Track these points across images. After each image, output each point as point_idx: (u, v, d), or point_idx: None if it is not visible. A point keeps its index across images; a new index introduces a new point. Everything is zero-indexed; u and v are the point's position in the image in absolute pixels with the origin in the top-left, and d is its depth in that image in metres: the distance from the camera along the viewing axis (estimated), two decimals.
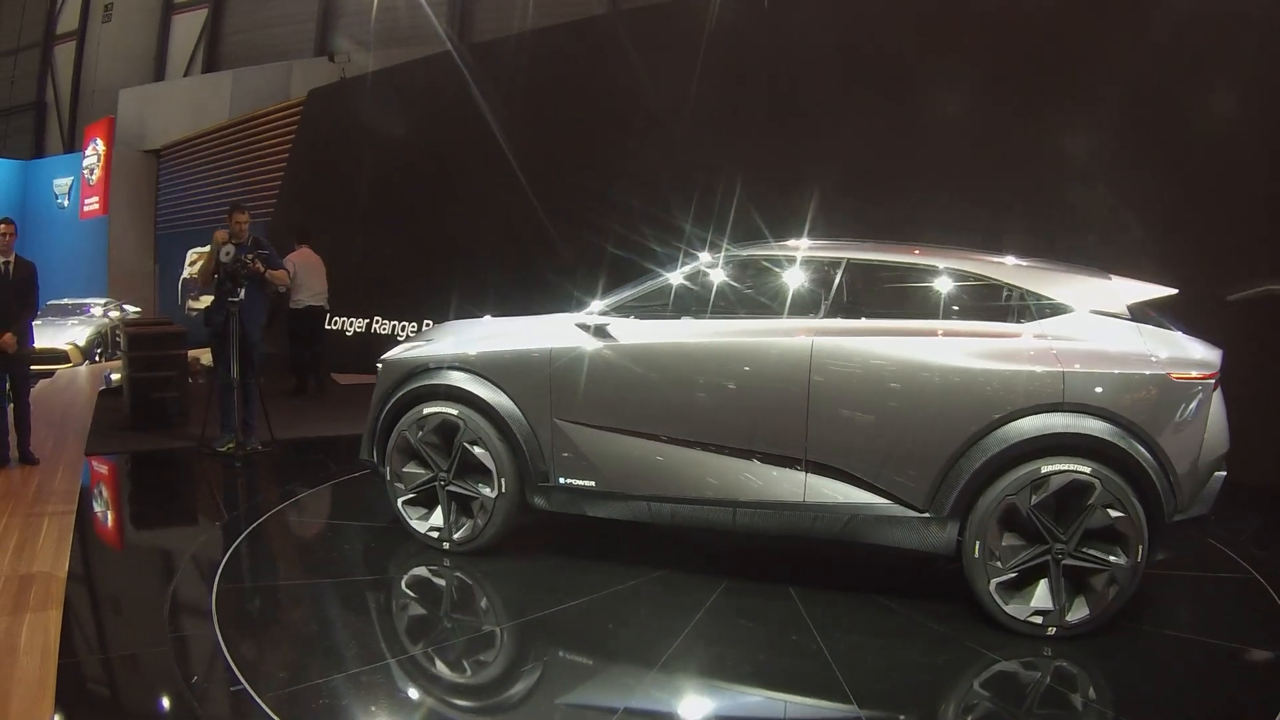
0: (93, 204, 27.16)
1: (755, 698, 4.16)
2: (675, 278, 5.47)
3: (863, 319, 5.01)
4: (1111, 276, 5.04)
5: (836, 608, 4.93)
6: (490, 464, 5.48)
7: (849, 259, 5.21)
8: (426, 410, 5.64)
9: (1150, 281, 5.02)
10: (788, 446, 4.98)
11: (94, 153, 27.13)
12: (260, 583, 5.46)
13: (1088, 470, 4.50)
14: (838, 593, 5.13)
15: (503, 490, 5.48)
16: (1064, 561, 4.55)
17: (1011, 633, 4.59)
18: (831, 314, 5.05)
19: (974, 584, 4.67)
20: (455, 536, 5.62)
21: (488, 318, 6.28)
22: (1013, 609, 4.60)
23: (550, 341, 5.46)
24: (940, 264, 5.08)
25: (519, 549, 5.76)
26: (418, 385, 5.71)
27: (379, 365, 6.05)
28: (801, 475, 4.96)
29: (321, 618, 4.89)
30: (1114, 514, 4.49)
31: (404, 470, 5.74)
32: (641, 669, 4.27)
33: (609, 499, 5.36)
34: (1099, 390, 4.57)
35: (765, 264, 5.41)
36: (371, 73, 17.49)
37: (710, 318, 5.29)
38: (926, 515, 4.77)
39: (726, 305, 5.36)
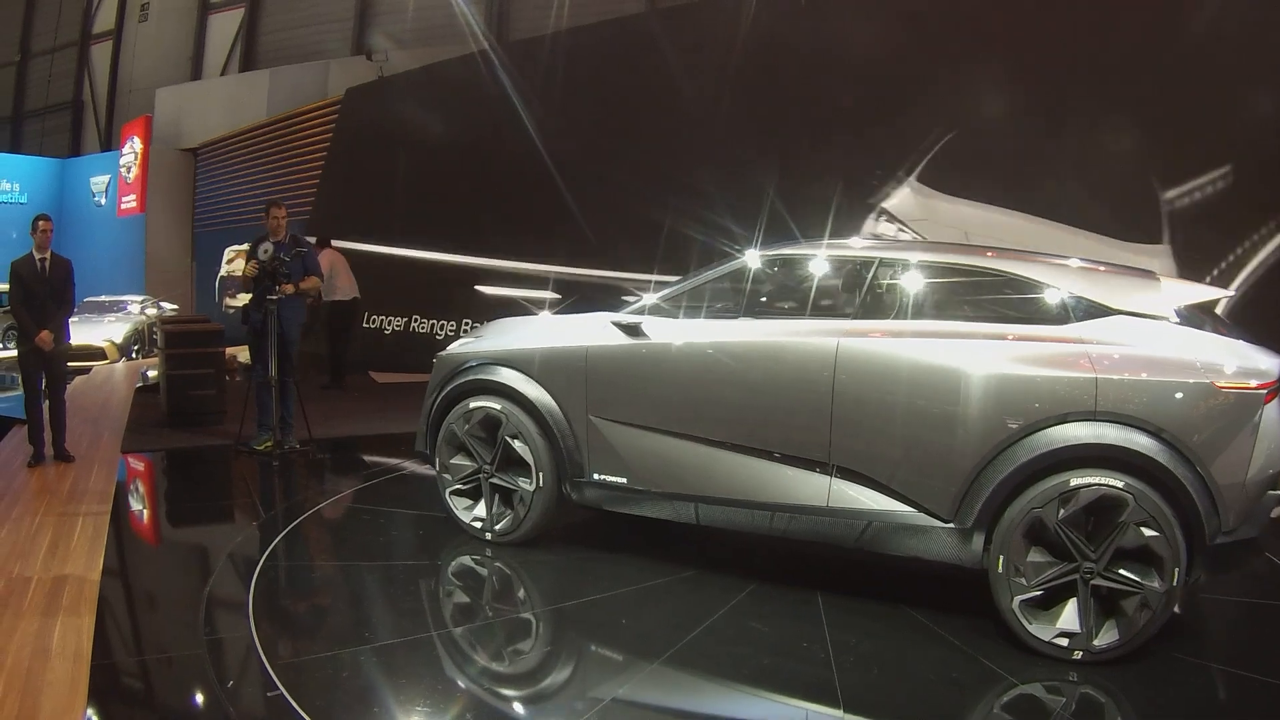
0: (130, 202, 27.28)
1: (740, 698, 4.09)
2: (708, 277, 5.45)
3: (890, 320, 4.85)
4: (1159, 277, 4.80)
5: (859, 616, 4.78)
6: (529, 458, 5.58)
7: (881, 258, 5.08)
8: (472, 404, 5.79)
9: (1208, 283, 4.75)
10: (811, 449, 4.86)
11: (131, 151, 27.24)
12: (298, 584, 5.37)
13: (1120, 485, 4.19)
14: (866, 601, 4.97)
15: (540, 484, 5.58)
16: (1093, 581, 4.23)
17: (1036, 654, 4.28)
18: (860, 315, 4.91)
19: (998, 601, 4.41)
20: (497, 528, 5.74)
21: (545, 314, 6.43)
22: (1037, 629, 4.30)
23: (587, 339, 5.53)
24: (973, 263, 4.91)
25: (565, 541, 5.92)
26: (465, 380, 5.87)
27: (434, 361, 6.19)
28: (825, 479, 4.83)
29: (361, 621, 4.78)
30: (1148, 533, 4.15)
31: (451, 462, 5.89)
32: (642, 662, 4.30)
33: (640, 496, 5.38)
34: (1135, 398, 4.24)
35: (796, 264, 5.41)
36: (409, 71, 17.44)
37: (741, 318, 5.26)
38: (951, 525, 4.54)
39: (757, 305, 5.34)
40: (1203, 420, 4.20)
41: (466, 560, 5.65)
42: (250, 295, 8.36)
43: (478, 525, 5.81)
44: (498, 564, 5.57)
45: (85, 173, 30.12)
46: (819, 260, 5.26)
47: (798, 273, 5.38)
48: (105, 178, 28.87)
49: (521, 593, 5.33)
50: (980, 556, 4.48)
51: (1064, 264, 4.84)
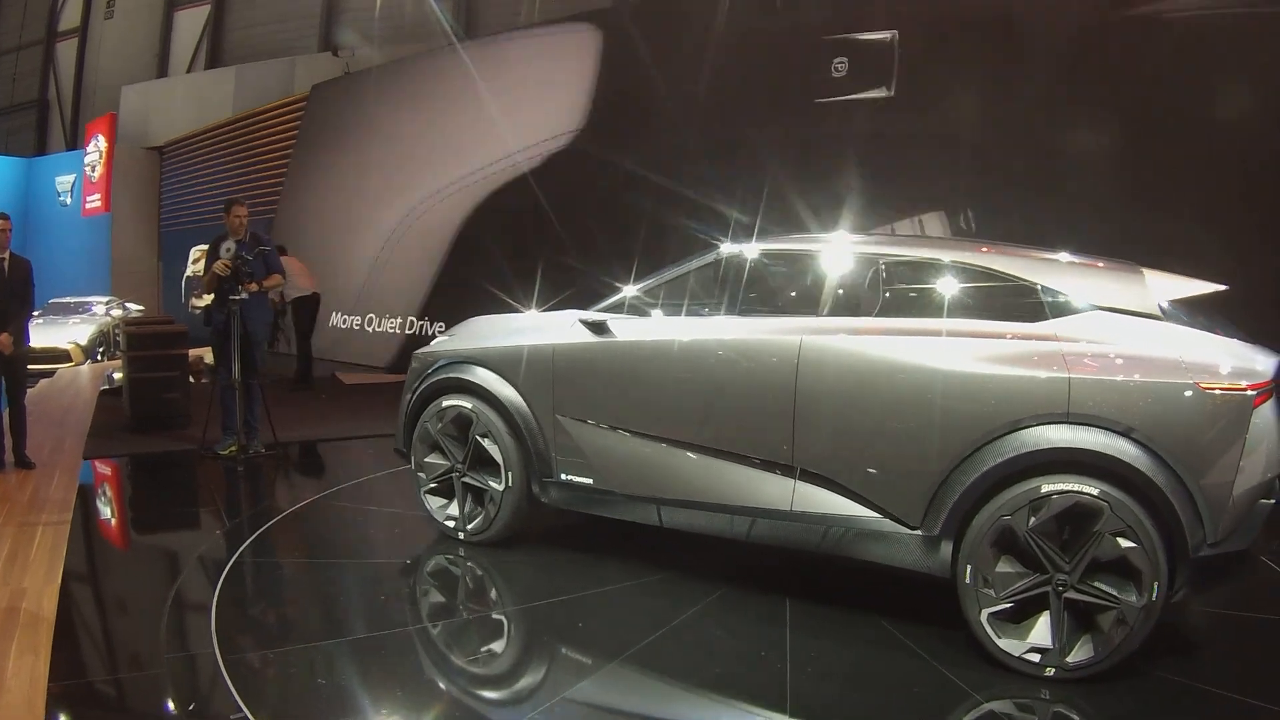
0: (95, 201, 26.91)
1: (686, 704, 4.00)
2: (678, 273, 5.34)
3: (855, 317, 4.66)
4: (1144, 271, 4.48)
5: (826, 624, 4.65)
6: (498, 457, 5.54)
7: (849, 252, 4.91)
8: (445, 403, 5.77)
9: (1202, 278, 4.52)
10: (774, 451, 4.71)
11: (95, 150, 26.88)
12: (264, 597, 5.22)
13: (1094, 492, 3.94)
14: (836, 609, 4.81)
15: (509, 484, 5.53)
16: (1066, 594, 3.98)
17: (1007, 670, 4.04)
18: (826, 312, 4.75)
19: (966, 613, 4.18)
20: (469, 527, 5.70)
21: (531, 312, 6.35)
22: (1006, 644, 4.06)
23: (554, 337, 5.47)
24: (943, 256, 4.71)
25: (543, 541, 5.89)
26: (439, 378, 5.85)
27: (412, 359, 6.18)
28: (790, 482, 4.68)
29: (328, 636, 4.61)
30: (1125, 544, 3.90)
31: (426, 460, 5.87)
32: (595, 664, 4.29)
33: (606, 498, 5.30)
34: (1111, 400, 3.99)
35: (765, 259, 5.25)
36: (375, 66, 17.26)
37: (707, 315, 5.16)
38: (918, 532, 4.34)
39: (724, 302, 5.19)
40: (1185, 423, 3.95)
41: (438, 560, 5.63)
42: (212, 296, 8.17)
43: (451, 524, 5.78)
44: (469, 564, 5.54)
45: (50, 172, 29.70)
46: (786, 255, 5.21)
47: (766, 268, 5.27)
48: (70, 177, 28.47)
49: (493, 593, 5.30)
50: (949, 566, 4.28)
51: (1039, 257, 4.63)
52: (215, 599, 4.86)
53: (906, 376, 4.38)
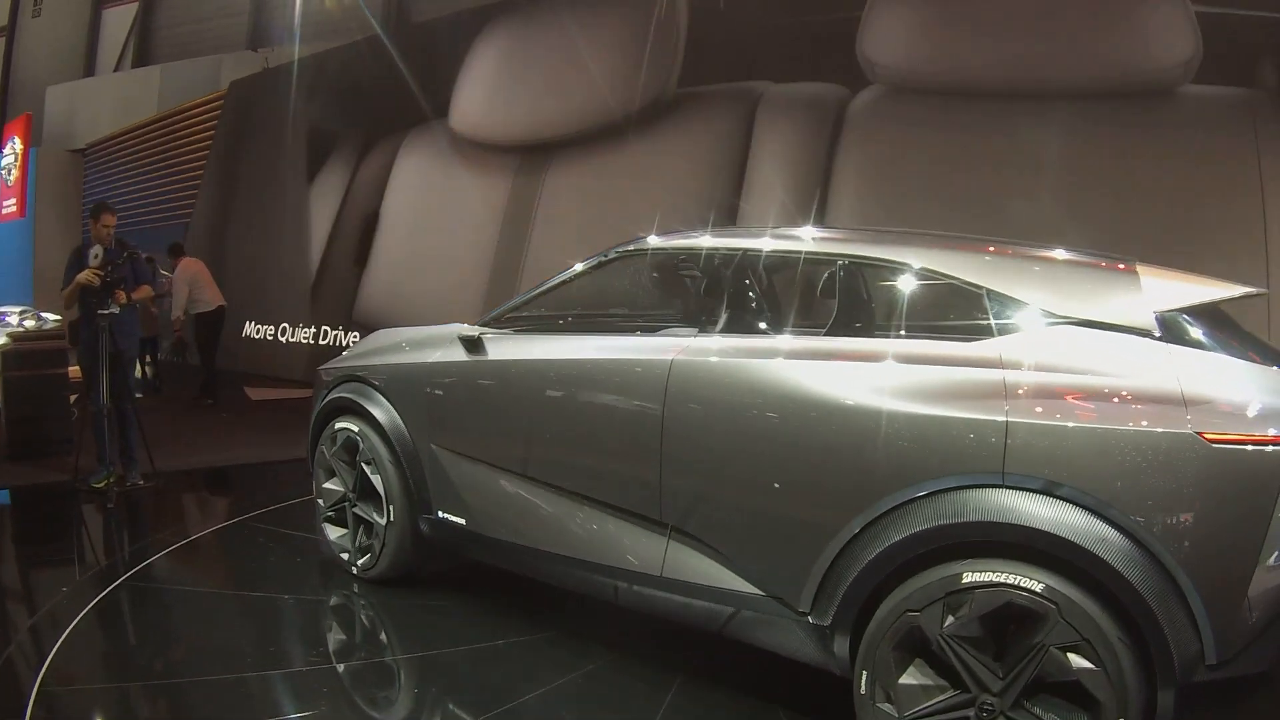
0: (10, 206, 25.62)
1: None
2: (561, 280, 4.53)
3: (737, 335, 3.71)
4: (1141, 268, 3.19)
5: (712, 712, 3.78)
6: (381, 488, 4.95)
7: (744, 249, 3.93)
8: (337, 425, 5.25)
9: (1208, 276, 3.27)
10: (642, 502, 3.80)
11: (11, 152, 25.63)
12: (96, 685, 4.24)
13: (1036, 588, 2.80)
14: (731, 694, 3.90)
15: (391, 518, 4.92)
16: None
17: None
18: (706, 325, 3.82)
19: None
20: (359, 562, 5.15)
21: (431, 326, 5.39)
22: None
23: (433, 355, 4.84)
24: (862, 253, 3.61)
25: (453, 582, 5.28)
26: (334, 398, 5.33)
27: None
28: (662, 541, 3.74)
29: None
30: (1078, 663, 2.76)
31: (324, 486, 5.38)
32: None
33: (481, 542, 4.60)
34: (1065, 454, 2.82)
35: (652, 261, 4.47)
36: (298, 60, 16.38)
37: (579, 333, 4.43)
38: (809, 619, 3.31)
39: (606, 315, 4.54)
40: (1178, 491, 2.72)
41: (318, 598, 5.14)
42: (78, 310, 7.28)
43: (345, 557, 5.24)
44: (350, 605, 5.01)
45: None
46: (672, 255, 4.40)
47: (651, 273, 4.58)
48: None
49: (333, 638, 4.68)
50: (850, 666, 3.26)
51: (990, 251, 3.49)
52: (34, 690, 3.93)
53: (787, 413, 3.37)
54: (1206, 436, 2.70)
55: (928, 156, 8.92)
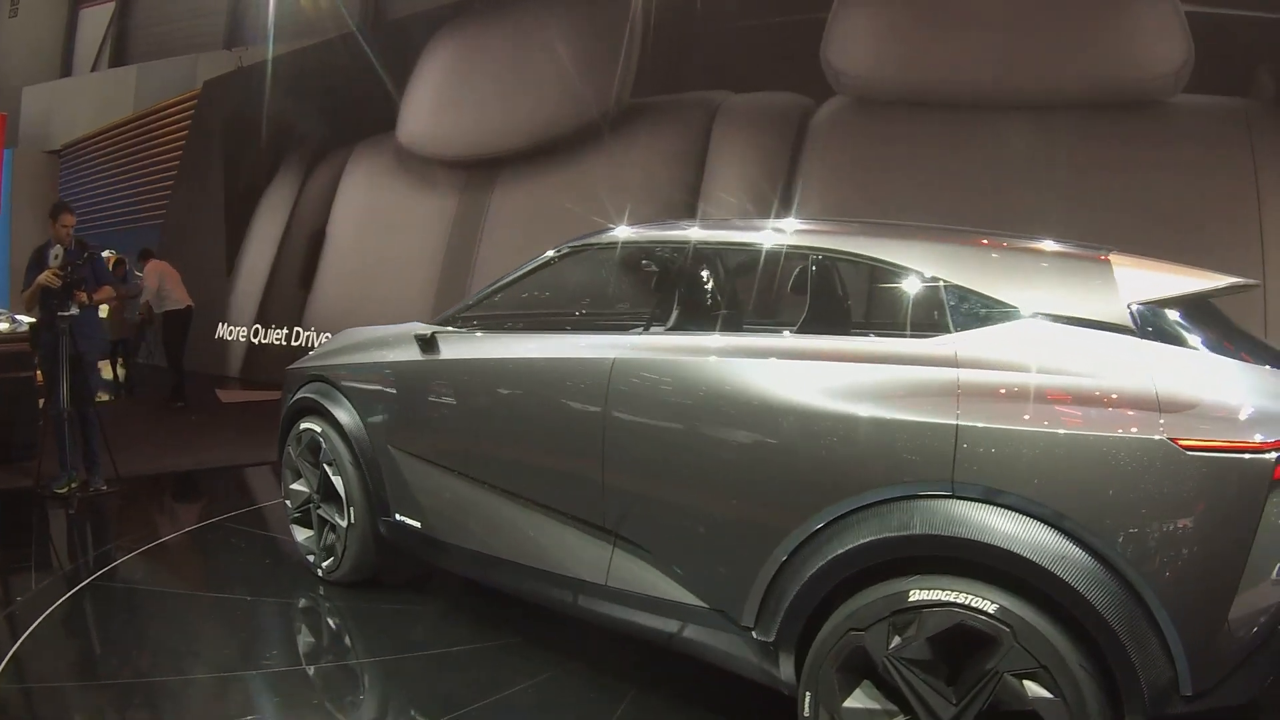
0: None
1: None
2: (518, 275, 4.44)
3: (680, 333, 3.60)
4: (1115, 258, 2.93)
5: None
6: (341, 490, 4.91)
7: (695, 242, 3.82)
8: (302, 425, 5.23)
9: (1193, 265, 2.98)
10: (586, 506, 3.70)
11: None
12: (55, 683, 4.13)
13: (989, 610, 2.58)
14: (684, 707, 3.78)
15: (352, 520, 4.88)
16: None
17: None
18: (652, 322, 3.77)
19: None
20: (324, 565, 5.12)
21: (395, 325, 5.29)
22: None
23: (389, 355, 4.80)
24: (810, 244, 3.46)
25: (421, 585, 5.27)
26: (299, 397, 5.31)
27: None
28: (607, 548, 3.63)
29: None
30: (1034, 692, 2.53)
31: (291, 487, 5.36)
32: None
33: (436, 546, 4.52)
34: (1022, 462, 2.61)
35: (605, 257, 4.37)
36: (271, 59, 16.26)
37: (532, 331, 4.45)
38: (754, 636, 3.14)
39: (557, 312, 4.50)
40: (1148, 503, 2.49)
41: (282, 602, 5.00)
42: (38, 313, 7.16)
43: (311, 559, 5.22)
44: (315, 607, 4.95)
45: None
46: (622, 252, 4.25)
47: (603, 270, 4.56)
48: None
49: (302, 641, 4.62)
50: (796, 686, 3.06)
51: (949, 241, 3.28)
52: None
53: (725, 415, 3.22)
54: (1181, 443, 2.48)
55: (899, 172, 8.73)
